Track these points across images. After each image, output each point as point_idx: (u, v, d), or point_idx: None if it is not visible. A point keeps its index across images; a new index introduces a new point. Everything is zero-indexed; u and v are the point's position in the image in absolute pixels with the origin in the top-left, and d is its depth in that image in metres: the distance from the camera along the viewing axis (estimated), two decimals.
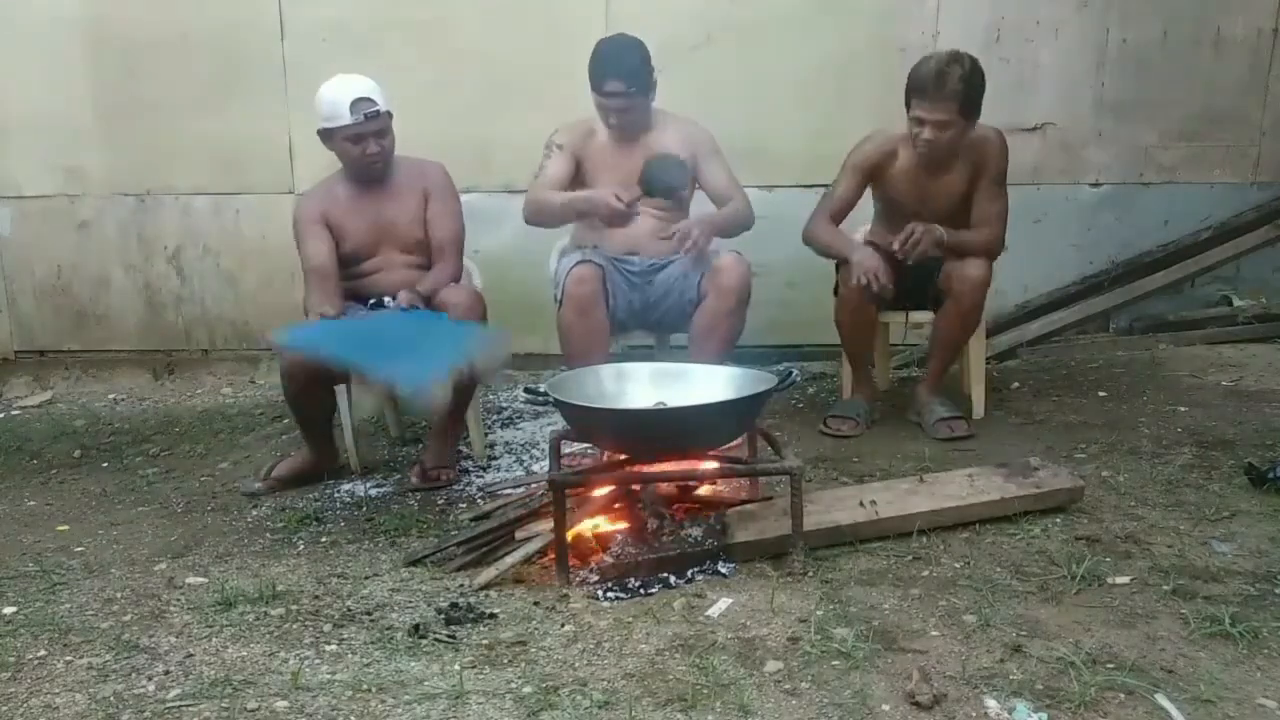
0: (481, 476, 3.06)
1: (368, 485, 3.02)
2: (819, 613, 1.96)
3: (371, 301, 3.07)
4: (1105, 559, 2.16)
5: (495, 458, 3.24)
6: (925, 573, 2.14)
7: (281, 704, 1.71)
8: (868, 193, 3.22)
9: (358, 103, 2.91)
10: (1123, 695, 1.64)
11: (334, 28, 4.09)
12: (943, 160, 3.02)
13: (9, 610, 2.18)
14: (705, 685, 1.71)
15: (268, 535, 2.67)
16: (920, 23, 3.98)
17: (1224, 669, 1.72)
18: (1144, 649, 1.79)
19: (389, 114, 2.98)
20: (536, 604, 2.08)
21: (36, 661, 1.91)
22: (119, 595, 2.24)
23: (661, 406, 2.32)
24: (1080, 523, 2.36)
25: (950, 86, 2.83)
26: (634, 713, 1.64)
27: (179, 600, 2.20)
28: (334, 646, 1.93)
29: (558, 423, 3.01)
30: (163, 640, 1.98)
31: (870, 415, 3.27)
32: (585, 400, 2.34)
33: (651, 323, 3.26)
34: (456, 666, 1.82)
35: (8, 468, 3.50)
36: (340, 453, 3.16)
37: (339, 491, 2.98)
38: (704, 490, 2.54)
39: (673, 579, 2.16)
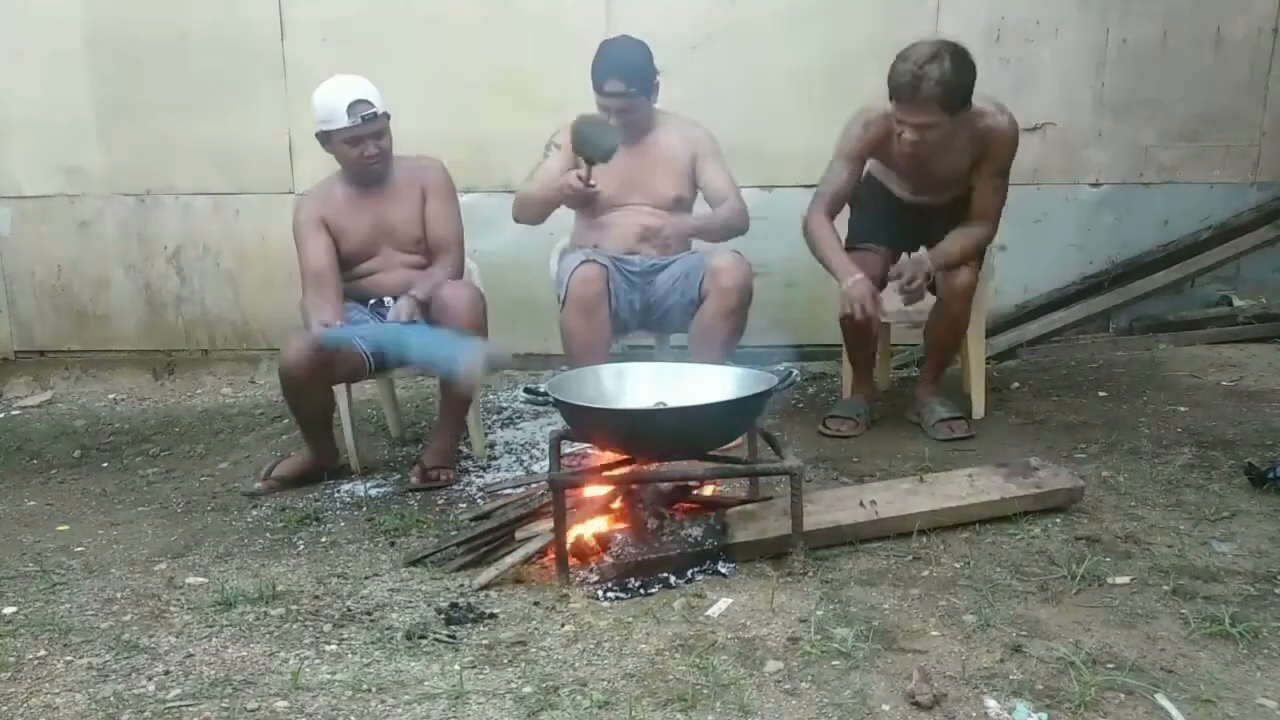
0: (481, 476, 3.06)
1: (368, 485, 3.02)
2: (819, 613, 1.96)
3: (372, 301, 3.07)
4: (1105, 559, 2.16)
5: (495, 458, 3.24)
6: (925, 573, 2.14)
7: (281, 704, 1.71)
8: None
9: (355, 105, 2.90)
10: (1123, 695, 1.64)
11: (334, 28, 4.09)
12: (939, 150, 2.88)
13: (9, 610, 2.18)
14: (705, 685, 1.71)
15: (268, 535, 2.67)
16: (920, 23, 3.97)
17: (1224, 669, 1.72)
18: (1144, 649, 1.79)
19: (386, 115, 2.98)
20: (536, 604, 2.08)
21: (36, 661, 1.91)
22: (119, 595, 2.24)
23: (661, 406, 2.32)
24: (1080, 523, 2.36)
25: (926, 92, 2.69)
26: (634, 713, 1.64)
27: (179, 600, 2.20)
28: (334, 646, 1.93)
29: (558, 423, 3.01)
30: (163, 640, 1.98)
31: (870, 415, 3.26)
32: (585, 400, 2.34)
33: (652, 323, 3.26)
34: (456, 666, 1.81)
35: (8, 468, 3.50)
36: (340, 453, 3.16)
37: (339, 491, 2.98)
38: (704, 490, 2.54)
39: (673, 579, 2.16)
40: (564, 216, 3.35)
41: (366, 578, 2.28)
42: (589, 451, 2.81)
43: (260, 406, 4.02)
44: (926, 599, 2.01)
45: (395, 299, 3.00)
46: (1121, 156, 4.22)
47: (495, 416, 3.73)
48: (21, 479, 3.36)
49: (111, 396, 4.34)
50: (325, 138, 2.97)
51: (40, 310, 4.49)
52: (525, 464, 3.17)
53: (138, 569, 2.44)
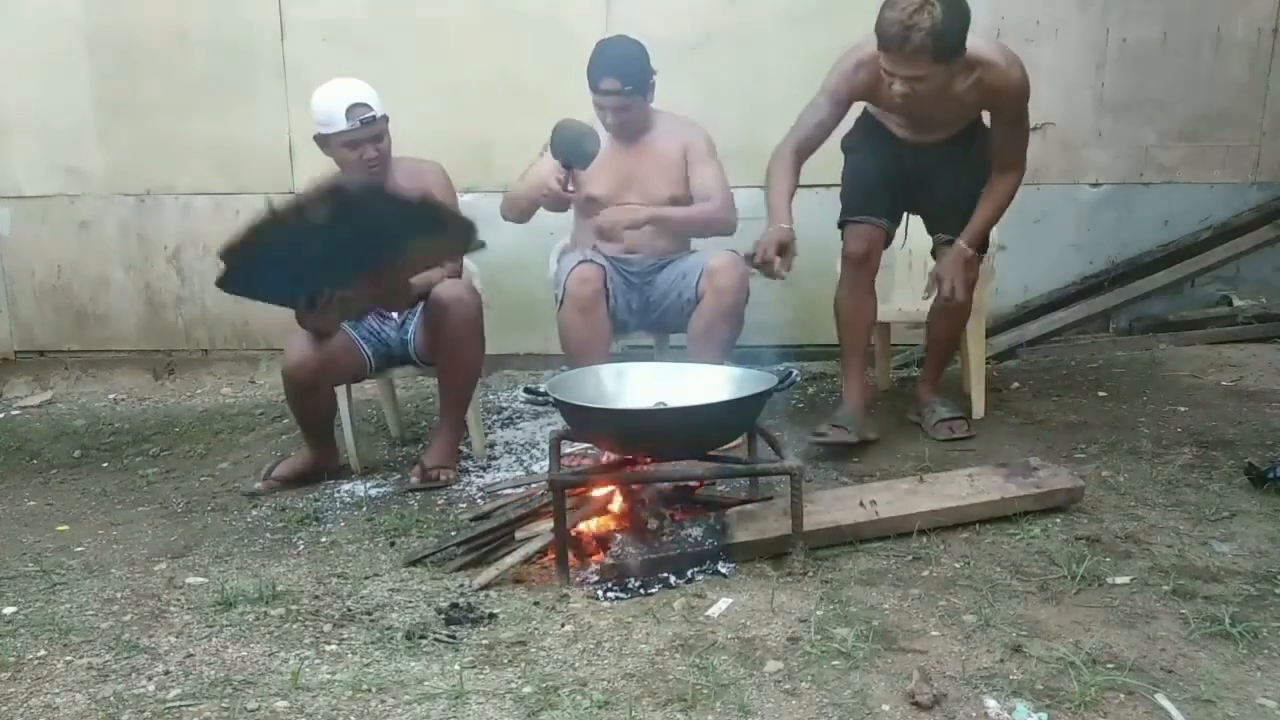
0: (481, 476, 3.06)
1: (368, 485, 3.02)
2: (819, 613, 1.96)
3: None
4: (1105, 559, 2.16)
5: (495, 458, 3.25)
6: (925, 573, 2.14)
7: (281, 704, 1.71)
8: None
9: (353, 108, 2.89)
10: (1123, 695, 1.64)
11: (334, 28, 4.09)
12: (934, 98, 2.67)
13: (9, 610, 2.18)
14: (705, 685, 1.71)
15: (268, 535, 2.67)
16: None
17: (1224, 669, 1.72)
18: (1144, 649, 1.79)
19: (385, 118, 2.97)
20: (536, 604, 2.08)
21: (36, 661, 1.91)
22: (119, 595, 2.24)
23: (661, 406, 2.32)
24: (1080, 523, 2.36)
25: (916, 43, 2.47)
26: (634, 713, 1.63)
27: (179, 600, 2.20)
28: (334, 646, 1.93)
29: (558, 423, 3.01)
30: (163, 640, 1.98)
31: (863, 429, 3.04)
32: (585, 400, 2.34)
33: (651, 323, 3.26)
34: (456, 666, 1.81)
35: (8, 468, 3.50)
36: (340, 453, 3.16)
37: (339, 491, 2.98)
38: (703, 490, 2.55)
39: (673, 579, 2.16)
40: (565, 216, 3.35)
41: (366, 578, 2.28)
42: (589, 451, 2.81)
43: (260, 406, 4.02)
44: (926, 599, 2.01)
45: None
46: (1121, 156, 4.22)
47: (495, 416, 3.73)
48: (21, 479, 3.36)
49: (111, 396, 4.34)
50: (324, 141, 2.97)
51: (40, 310, 4.49)
52: (525, 464, 3.17)
53: (138, 569, 2.44)
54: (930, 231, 3.13)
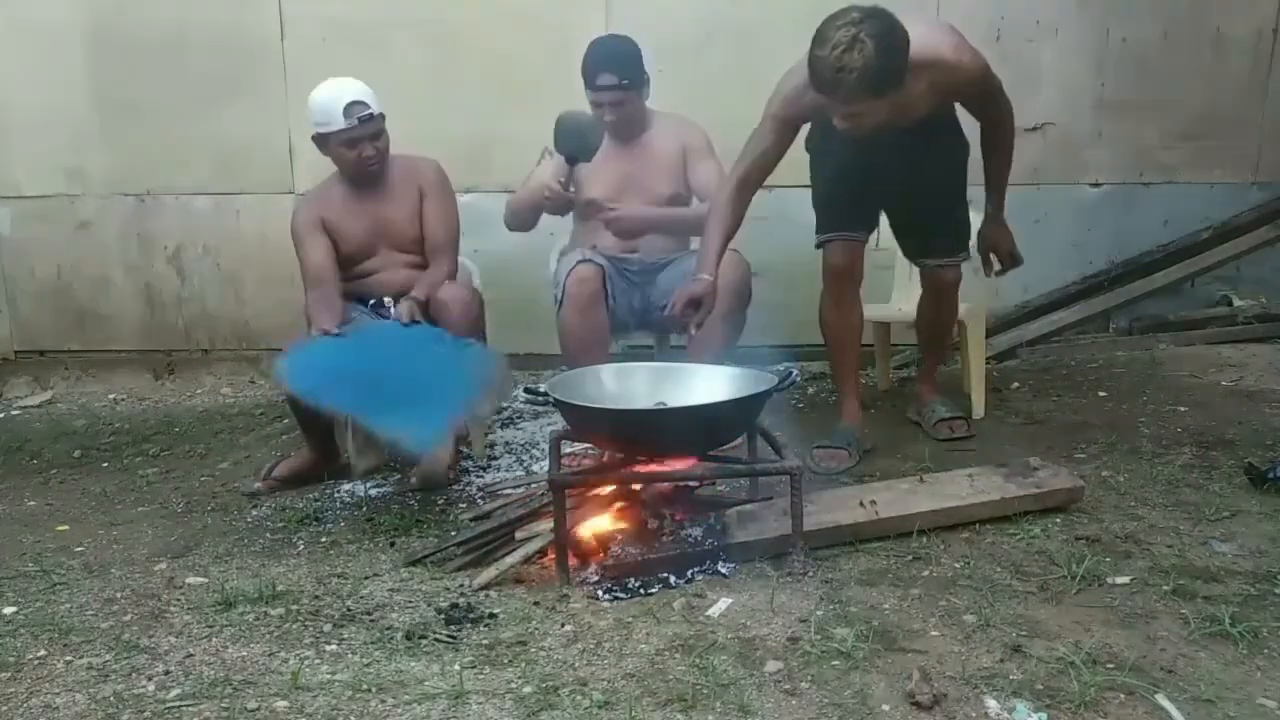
0: (481, 476, 3.06)
1: (368, 485, 3.02)
2: (819, 613, 1.96)
3: (372, 301, 3.07)
4: (1105, 559, 2.16)
5: (495, 458, 3.24)
6: (925, 573, 2.14)
7: (281, 704, 1.71)
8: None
9: (351, 106, 2.90)
10: (1123, 695, 1.64)
11: (334, 28, 4.09)
12: (884, 119, 2.51)
13: (9, 610, 2.18)
14: (705, 685, 1.71)
15: (268, 535, 2.67)
16: None
17: (1224, 669, 1.72)
18: (1144, 649, 1.79)
19: (382, 116, 2.97)
20: (536, 604, 2.08)
21: (36, 661, 1.91)
22: (119, 595, 2.24)
23: (661, 406, 2.32)
24: (1080, 523, 2.36)
25: (849, 85, 2.34)
26: (634, 713, 1.64)
27: (179, 600, 2.20)
28: (334, 646, 1.93)
29: (558, 423, 3.01)
30: (163, 640, 1.98)
31: (862, 445, 2.99)
32: (585, 400, 2.34)
33: (651, 323, 3.26)
34: (456, 666, 1.81)
35: (8, 468, 3.50)
36: (340, 453, 3.16)
37: (339, 491, 2.98)
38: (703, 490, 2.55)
39: (673, 579, 2.16)
40: (565, 218, 3.35)
41: (366, 578, 2.28)
42: (589, 451, 2.81)
43: (260, 406, 4.02)
44: (926, 599, 2.01)
45: (395, 299, 3.00)
46: (1121, 156, 4.22)
47: (495, 416, 3.73)
48: (21, 479, 3.36)
49: (111, 396, 4.34)
50: (322, 140, 2.97)
51: (40, 310, 4.49)
52: (525, 464, 3.17)
53: (138, 569, 2.44)
54: (914, 254, 3.11)
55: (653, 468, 2.32)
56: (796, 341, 3.89)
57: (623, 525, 2.34)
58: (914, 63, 2.43)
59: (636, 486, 2.38)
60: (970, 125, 2.87)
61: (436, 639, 1.93)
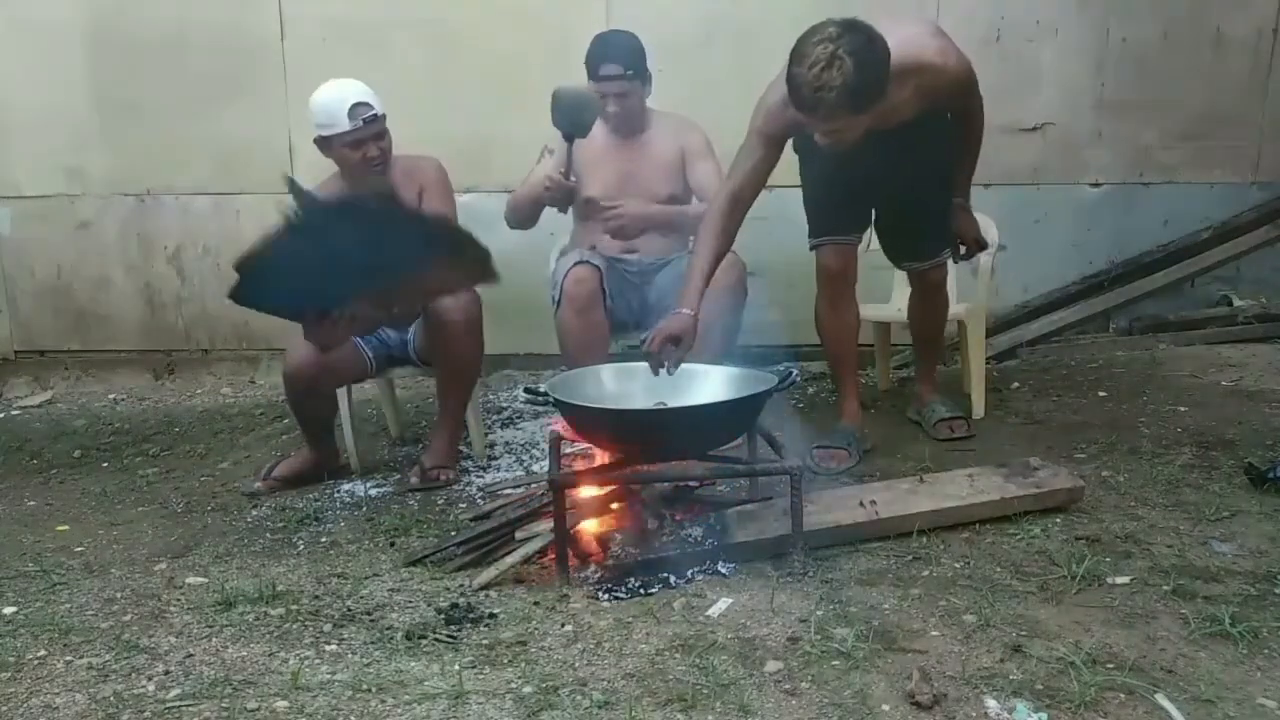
0: (481, 476, 3.06)
1: (368, 485, 3.02)
2: (819, 613, 1.96)
3: None
4: (1105, 559, 2.16)
5: (495, 458, 3.24)
6: (925, 573, 2.14)
7: (281, 704, 1.71)
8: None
9: (356, 108, 2.89)
10: (1123, 695, 1.64)
11: (334, 28, 4.09)
12: (867, 130, 2.49)
13: (9, 610, 2.18)
14: (705, 685, 1.71)
15: (268, 535, 2.67)
16: None
17: (1224, 669, 1.72)
18: (1144, 649, 1.79)
19: (385, 116, 2.97)
20: (536, 604, 2.08)
21: (36, 661, 1.91)
22: (119, 595, 2.24)
23: (661, 406, 2.32)
24: (1080, 523, 2.36)
25: (828, 104, 2.29)
26: (634, 713, 1.64)
27: (179, 600, 2.20)
28: (334, 646, 1.93)
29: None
30: (163, 640, 1.98)
31: (862, 444, 3.00)
32: (585, 400, 2.34)
33: (651, 323, 3.25)
34: (456, 666, 1.81)
35: (8, 468, 3.50)
36: (340, 453, 3.16)
37: (339, 491, 2.98)
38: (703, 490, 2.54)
39: (673, 579, 2.16)
40: (565, 218, 3.35)
41: (366, 578, 2.28)
42: (590, 451, 2.81)
43: (260, 406, 4.02)
44: (926, 599, 2.01)
45: (394, 328, 3.01)
46: (1121, 156, 4.22)
47: (495, 416, 3.73)
48: (21, 479, 3.36)
49: (111, 396, 4.34)
50: (325, 143, 2.96)
51: (40, 310, 4.49)
52: (525, 464, 3.17)
53: (138, 569, 2.44)
54: (898, 258, 3.14)
55: (653, 468, 2.32)
56: (796, 341, 3.89)
57: (623, 525, 2.34)
58: (898, 69, 2.38)
59: (636, 486, 2.38)
60: None
61: (436, 639, 1.93)
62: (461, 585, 2.20)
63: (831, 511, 2.32)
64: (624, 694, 1.70)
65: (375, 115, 2.92)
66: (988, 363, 3.62)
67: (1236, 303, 4.26)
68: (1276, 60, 4.14)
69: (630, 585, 2.15)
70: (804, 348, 3.95)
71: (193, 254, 4.40)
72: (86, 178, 4.34)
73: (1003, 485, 2.40)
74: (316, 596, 2.18)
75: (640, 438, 2.28)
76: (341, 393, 3.08)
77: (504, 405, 3.87)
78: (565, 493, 2.21)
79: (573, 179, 3.05)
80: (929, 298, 3.10)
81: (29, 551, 2.62)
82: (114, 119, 4.26)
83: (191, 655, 1.91)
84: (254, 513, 2.86)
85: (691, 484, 2.50)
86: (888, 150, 2.66)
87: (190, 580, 2.32)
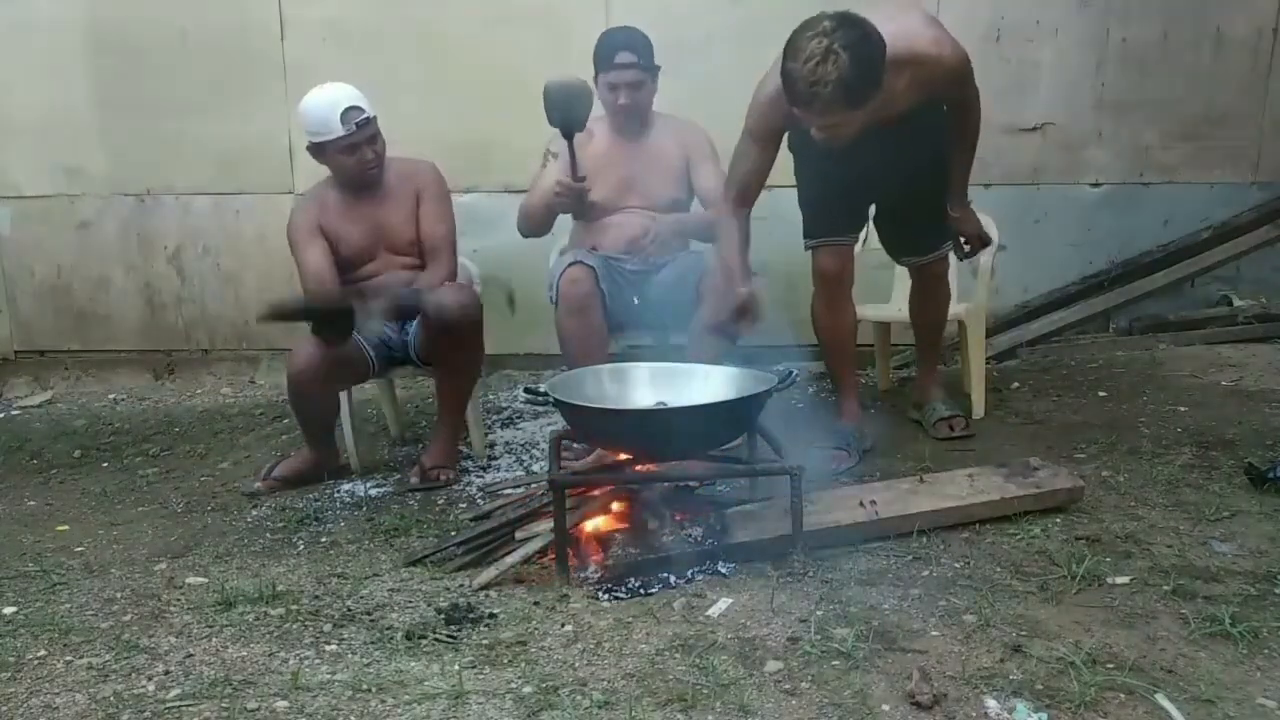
0: (481, 476, 3.06)
1: (368, 485, 3.02)
2: (819, 613, 1.96)
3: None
4: (1105, 559, 2.16)
5: (495, 458, 3.24)
6: (925, 573, 2.14)
7: (281, 704, 1.71)
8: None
9: (348, 112, 2.87)
10: (1123, 695, 1.64)
11: (334, 28, 4.09)
12: (862, 125, 2.47)
13: (9, 610, 2.18)
14: (705, 685, 1.71)
15: (268, 535, 2.67)
16: None
17: (1224, 669, 1.72)
18: (1144, 649, 1.79)
19: (375, 117, 2.96)
20: (536, 604, 2.08)
21: (36, 661, 1.91)
22: (119, 595, 2.24)
23: (661, 406, 2.32)
24: (1080, 523, 2.36)
25: (824, 99, 2.27)
26: (634, 713, 1.64)
27: (179, 600, 2.20)
28: (334, 646, 1.93)
29: (558, 423, 3.01)
30: (163, 640, 1.98)
31: (861, 443, 3.00)
32: (585, 400, 2.34)
33: (650, 323, 3.26)
34: (456, 666, 1.81)
35: (8, 468, 3.50)
36: (340, 453, 3.16)
37: (339, 491, 2.98)
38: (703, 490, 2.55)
39: (673, 579, 2.16)
40: (565, 218, 3.35)
41: (366, 578, 2.28)
42: (589, 452, 2.81)
43: (260, 406, 4.02)
44: (926, 599, 2.01)
45: (400, 326, 3.01)
46: (1121, 156, 4.22)
47: (495, 416, 3.73)
48: (21, 479, 3.36)
49: (111, 396, 4.34)
50: (319, 150, 2.95)
51: (40, 310, 4.49)
52: (525, 464, 3.17)
53: (138, 569, 2.44)
54: (897, 253, 3.14)
55: (653, 468, 2.32)
56: (796, 341, 3.89)
57: (623, 525, 2.34)
58: (893, 60, 2.36)
59: (636, 486, 2.38)
60: None
61: (436, 639, 1.93)
62: (461, 585, 2.20)
63: (831, 511, 2.32)
64: (624, 694, 1.70)
65: (368, 118, 2.91)
66: (988, 363, 3.62)
67: (1236, 303, 4.26)
68: (1276, 60, 4.14)
69: (630, 585, 2.15)
70: (805, 348, 3.96)
71: (193, 254, 4.40)
72: (86, 178, 4.34)
73: (1003, 485, 2.40)
74: (316, 596, 2.18)
75: (640, 438, 2.28)
76: (342, 393, 3.08)
77: (504, 405, 3.87)
78: (565, 493, 2.21)
79: (582, 177, 3.03)
80: (930, 289, 3.09)
81: (29, 551, 2.62)
82: (114, 119, 4.26)
83: (191, 655, 1.91)
84: (254, 513, 2.86)
85: (691, 484, 2.50)
86: (884, 145, 2.64)
87: (190, 580, 2.33)
